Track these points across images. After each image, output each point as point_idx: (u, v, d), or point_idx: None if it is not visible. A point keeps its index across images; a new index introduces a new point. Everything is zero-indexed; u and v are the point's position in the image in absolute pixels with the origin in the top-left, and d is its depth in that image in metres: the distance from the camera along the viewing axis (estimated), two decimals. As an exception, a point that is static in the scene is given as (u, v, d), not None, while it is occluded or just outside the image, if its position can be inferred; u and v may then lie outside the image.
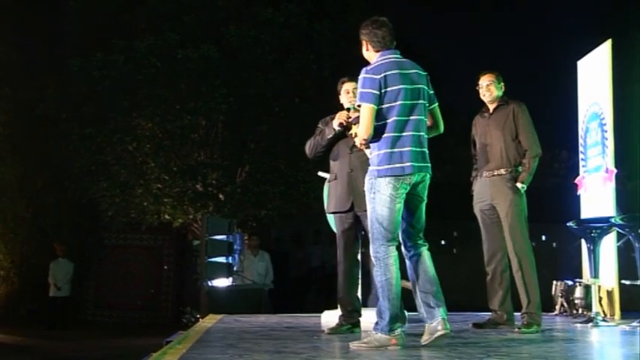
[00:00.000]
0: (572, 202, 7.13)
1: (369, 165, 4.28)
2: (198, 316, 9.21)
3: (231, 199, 12.39)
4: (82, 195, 13.25)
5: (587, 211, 6.82)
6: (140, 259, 15.40)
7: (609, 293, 6.43)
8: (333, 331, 5.12)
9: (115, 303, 15.07)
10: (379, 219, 4.14)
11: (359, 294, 5.42)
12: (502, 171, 5.41)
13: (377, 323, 4.14)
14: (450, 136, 4.59)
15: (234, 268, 9.85)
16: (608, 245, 6.30)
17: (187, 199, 12.25)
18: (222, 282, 9.10)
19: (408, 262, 4.25)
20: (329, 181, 5.39)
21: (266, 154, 12.49)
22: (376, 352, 4.02)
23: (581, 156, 7.09)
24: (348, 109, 5.09)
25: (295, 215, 13.08)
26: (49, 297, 13.75)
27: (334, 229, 5.46)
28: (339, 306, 5.35)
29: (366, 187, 4.22)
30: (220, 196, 12.44)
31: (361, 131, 4.17)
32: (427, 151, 4.23)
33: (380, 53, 4.27)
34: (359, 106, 4.21)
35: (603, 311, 6.26)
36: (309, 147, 5.38)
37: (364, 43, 4.34)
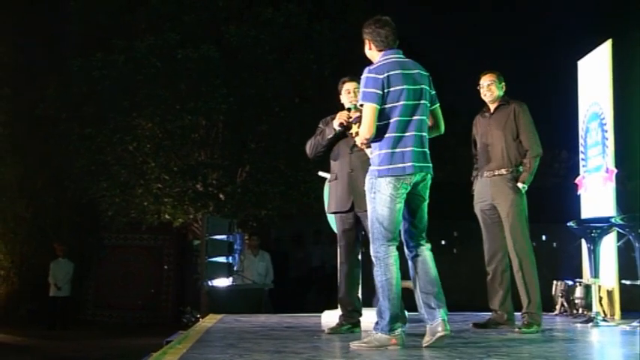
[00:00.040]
0: (573, 202, 7.13)
1: (369, 165, 4.27)
2: (198, 315, 9.22)
3: (232, 199, 12.39)
4: (82, 195, 13.26)
5: (587, 211, 6.82)
6: (140, 259, 15.41)
7: (609, 293, 6.43)
8: (334, 331, 5.12)
9: (115, 303, 15.08)
10: (379, 219, 4.14)
11: (359, 294, 5.41)
12: (503, 171, 5.41)
13: (377, 323, 4.14)
14: (450, 136, 4.59)
15: (235, 268, 9.84)
16: (609, 245, 6.29)
17: (187, 199, 12.25)
18: (222, 282, 9.10)
19: (410, 262, 4.25)
20: (329, 181, 5.38)
21: (266, 154, 12.49)
22: (376, 351, 4.02)
23: (581, 156, 7.09)
24: (349, 109, 5.08)
25: (295, 215, 13.08)
26: (50, 297, 13.75)
27: (334, 229, 5.46)
28: (339, 306, 5.35)
29: (367, 187, 4.21)
30: (220, 196, 12.45)
31: (363, 131, 4.16)
32: (428, 152, 4.23)
33: (383, 53, 4.27)
34: (361, 105, 4.20)
35: (603, 311, 6.26)
36: (309, 147, 5.38)
37: (367, 42, 4.33)
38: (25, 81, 14.21)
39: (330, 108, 5.46)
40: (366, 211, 4.35)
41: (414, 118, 4.17)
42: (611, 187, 6.38)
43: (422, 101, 4.21)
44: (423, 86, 4.22)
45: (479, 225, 5.63)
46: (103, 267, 15.40)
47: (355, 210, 5.14)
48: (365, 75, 4.19)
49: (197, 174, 12.27)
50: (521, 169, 5.39)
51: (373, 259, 4.19)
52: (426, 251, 4.23)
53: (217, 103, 11.89)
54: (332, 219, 5.50)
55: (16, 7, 14.29)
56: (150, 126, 12.22)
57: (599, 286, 6.12)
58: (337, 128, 5.16)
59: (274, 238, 14.97)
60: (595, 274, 5.88)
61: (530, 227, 5.40)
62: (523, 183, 5.34)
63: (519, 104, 5.50)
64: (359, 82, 4.94)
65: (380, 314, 4.13)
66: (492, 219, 5.50)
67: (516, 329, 5.20)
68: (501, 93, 5.57)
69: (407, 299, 4.40)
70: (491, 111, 5.58)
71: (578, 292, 6.57)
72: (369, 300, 5.28)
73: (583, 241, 6.29)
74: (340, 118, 5.11)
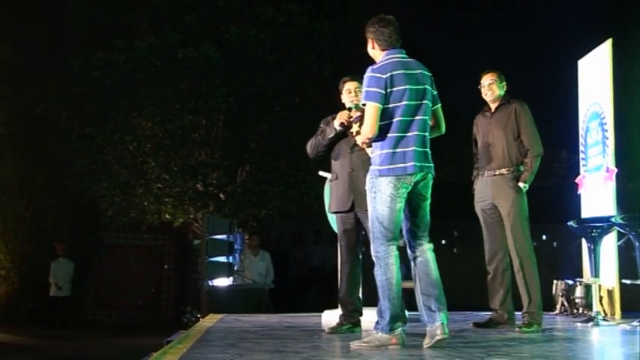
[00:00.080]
0: (573, 201, 7.13)
1: (370, 164, 4.27)
2: (198, 315, 9.22)
3: (232, 198, 12.39)
4: (82, 195, 13.25)
5: (587, 211, 6.82)
6: (140, 258, 15.41)
7: (610, 292, 6.42)
8: (334, 330, 5.12)
9: (116, 303, 15.08)
10: (379, 218, 4.14)
11: (360, 294, 5.41)
12: (504, 170, 5.41)
13: (377, 323, 4.15)
14: (452, 135, 4.59)
15: (235, 268, 9.84)
16: (609, 245, 6.29)
17: (188, 199, 12.25)
18: (222, 281, 9.11)
19: (411, 263, 4.24)
20: (330, 181, 5.38)
21: (266, 154, 12.49)
22: (377, 351, 4.02)
23: (581, 155, 7.08)
24: (350, 109, 5.09)
25: (295, 215, 13.08)
26: (50, 296, 13.74)
27: (335, 229, 5.46)
28: (339, 305, 5.35)
29: (367, 187, 4.21)
30: (221, 195, 12.45)
31: (366, 130, 4.16)
32: (430, 152, 4.23)
33: (386, 52, 4.26)
34: (364, 104, 4.19)
35: (604, 310, 6.26)
36: (310, 146, 5.38)
37: (370, 41, 4.32)
38: (25, 80, 14.20)
39: (331, 108, 5.46)
40: (366, 210, 4.35)
41: (417, 118, 4.17)
42: (611, 186, 6.38)
43: (424, 101, 4.20)
44: (425, 86, 4.22)
45: (479, 224, 5.63)
46: (104, 267, 15.40)
47: (356, 210, 5.14)
48: (368, 74, 4.18)
49: (197, 174, 12.27)
50: (522, 168, 5.39)
51: (373, 258, 4.19)
52: (428, 252, 4.22)
53: (217, 102, 11.89)
54: (332, 219, 5.50)
55: (16, 7, 14.28)
56: (150, 125, 12.22)
57: (600, 286, 6.12)
58: (338, 128, 5.15)
59: (274, 238, 14.98)
60: (595, 273, 5.88)
61: (530, 227, 5.41)
62: (524, 182, 5.34)
63: (520, 104, 5.50)
64: (360, 82, 4.94)
65: (380, 314, 4.13)
66: (493, 218, 5.50)
67: (517, 329, 5.20)
68: (502, 92, 5.57)
69: (407, 300, 4.40)
70: (492, 110, 5.58)
71: (579, 291, 6.56)
72: (370, 300, 5.28)
73: (583, 240, 6.29)
74: (341, 117, 5.11)
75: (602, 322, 5.73)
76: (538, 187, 5.64)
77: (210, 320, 6.41)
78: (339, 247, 5.38)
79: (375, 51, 4.32)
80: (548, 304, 6.60)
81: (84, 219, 14.56)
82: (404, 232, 4.26)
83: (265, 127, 12.41)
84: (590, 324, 5.72)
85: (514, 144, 5.43)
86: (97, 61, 11.98)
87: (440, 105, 4.37)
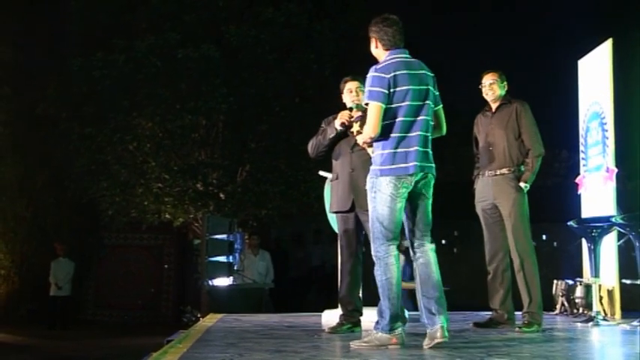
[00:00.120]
0: (573, 201, 7.13)
1: (370, 164, 4.27)
2: (198, 315, 9.22)
3: (232, 198, 12.39)
4: (82, 194, 13.25)
5: (587, 211, 6.82)
6: (141, 258, 15.41)
7: (610, 292, 6.42)
8: (334, 330, 5.12)
9: (116, 302, 15.08)
10: (379, 218, 4.14)
11: (360, 294, 5.41)
12: (505, 170, 5.41)
13: (377, 322, 4.15)
14: (452, 135, 4.59)
15: (235, 268, 9.85)
16: (609, 244, 6.29)
17: (188, 199, 12.25)
18: (222, 281, 9.11)
19: (414, 264, 4.24)
20: (331, 181, 5.38)
21: (266, 154, 12.49)
22: (377, 351, 4.02)
23: (581, 155, 7.09)
24: (351, 109, 5.09)
25: (296, 215, 13.08)
26: (50, 296, 13.74)
27: (335, 228, 5.46)
28: (339, 305, 5.35)
29: (368, 186, 4.21)
30: (221, 195, 12.45)
31: (368, 129, 4.15)
32: (431, 152, 4.23)
33: (389, 52, 4.25)
34: (366, 104, 4.19)
35: (604, 310, 6.26)
36: (311, 146, 5.38)
37: (373, 40, 4.31)
38: (25, 80, 14.19)
39: (331, 107, 5.46)
40: (366, 210, 4.35)
41: (419, 118, 4.16)
42: (611, 186, 6.38)
43: (427, 102, 4.20)
44: (428, 87, 4.22)
45: (479, 224, 5.63)
46: (104, 266, 15.40)
47: (356, 210, 5.14)
48: (371, 74, 4.17)
49: (197, 173, 12.27)
50: (523, 168, 5.39)
51: (374, 258, 4.19)
52: (429, 252, 4.21)
53: (217, 102, 11.89)
54: (332, 218, 5.50)
55: (16, 7, 14.27)
56: (150, 125, 12.22)
57: (600, 286, 6.12)
58: (339, 128, 5.15)
59: (274, 238, 14.98)
60: (595, 273, 5.88)
61: (530, 227, 5.40)
62: (525, 182, 5.34)
63: (521, 103, 5.50)
64: (361, 82, 4.95)
65: (380, 314, 4.14)
66: (494, 218, 5.50)
67: (517, 329, 5.20)
68: (503, 92, 5.57)
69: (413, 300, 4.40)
70: (493, 110, 5.58)
71: (579, 291, 6.56)
72: (370, 300, 5.29)
73: (583, 240, 6.29)
74: (342, 117, 5.11)
75: (602, 322, 5.73)
76: (538, 187, 5.64)
77: (210, 320, 6.41)
78: (339, 247, 5.38)
79: (378, 50, 4.31)
80: (548, 304, 6.60)
81: (84, 219, 14.56)
82: (406, 232, 4.25)
83: (265, 127, 12.41)
84: (590, 324, 5.72)
85: (515, 144, 5.42)
86: (97, 61, 11.98)
87: (442, 106, 4.36)
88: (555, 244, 12.66)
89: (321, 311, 6.25)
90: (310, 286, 14.06)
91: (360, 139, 4.35)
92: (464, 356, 3.84)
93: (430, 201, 4.25)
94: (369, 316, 4.86)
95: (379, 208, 4.13)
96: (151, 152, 12.27)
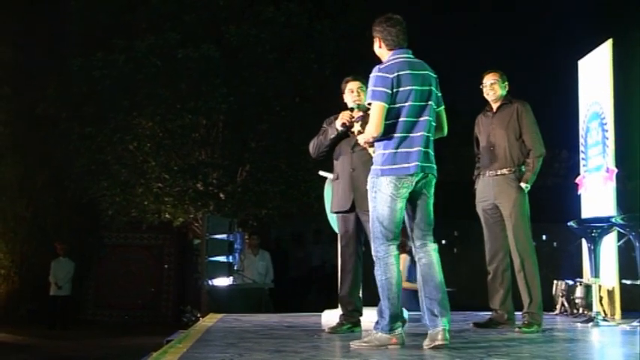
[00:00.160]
0: (573, 201, 7.13)
1: (371, 164, 4.26)
2: (198, 315, 9.21)
3: (232, 198, 12.39)
4: (82, 194, 13.25)
5: (587, 211, 6.82)
6: (141, 258, 15.41)
7: (610, 293, 6.43)
8: (334, 330, 5.12)
9: (116, 302, 15.09)
10: (380, 218, 4.13)
11: (360, 294, 5.41)
12: (505, 171, 5.41)
13: (377, 322, 4.15)
14: (453, 135, 4.59)
15: (235, 268, 9.85)
16: (609, 245, 6.30)
17: (188, 199, 12.25)
18: (222, 281, 9.11)
19: (417, 264, 4.23)
20: (333, 181, 5.38)
21: (267, 154, 12.49)
22: (377, 351, 4.02)
23: (581, 155, 7.09)
24: (352, 109, 5.08)
25: (296, 215, 13.08)
26: (50, 296, 13.74)
27: (335, 229, 5.46)
28: (339, 305, 5.35)
29: (369, 186, 4.21)
30: (221, 195, 12.45)
31: (371, 129, 4.14)
32: (432, 153, 4.22)
33: (393, 52, 4.25)
34: (369, 104, 4.18)
35: (604, 311, 6.26)
36: (312, 146, 5.38)
37: (377, 40, 4.31)
38: (25, 80, 14.19)
39: (331, 107, 5.46)
40: (367, 210, 4.35)
41: (421, 119, 4.16)
42: (611, 186, 6.39)
43: (429, 102, 4.20)
44: (430, 88, 4.21)
45: (479, 224, 5.63)
46: (104, 266, 15.40)
47: (356, 210, 5.14)
48: (374, 74, 4.17)
49: (197, 173, 12.27)
50: (523, 168, 5.39)
51: (374, 258, 4.19)
52: (432, 252, 4.20)
53: (218, 102, 11.88)
54: (332, 219, 5.50)
55: (16, 7, 14.27)
56: (150, 125, 12.21)
57: (600, 286, 6.12)
58: (339, 128, 5.15)
59: (274, 238, 14.97)
60: (595, 273, 5.88)
61: (531, 227, 5.40)
62: (526, 183, 5.34)
63: (522, 104, 5.50)
64: (362, 82, 4.95)
65: (380, 314, 4.13)
66: (494, 218, 5.50)
67: (517, 329, 5.20)
68: (504, 92, 5.58)
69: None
70: (494, 110, 5.58)
71: (579, 291, 6.57)
72: (370, 300, 5.29)
73: (583, 240, 6.29)
74: (343, 118, 5.11)
75: (602, 323, 5.73)
76: (538, 187, 5.64)
77: (210, 320, 6.41)
78: (339, 247, 5.38)
79: (381, 50, 4.31)
80: (548, 304, 6.60)
81: (84, 219, 14.56)
82: (408, 232, 4.25)
83: (265, 126, 12.41)
84: (590, 324, 5.72)
85: (516, 144, 5.42)
86: (97, 61, 11.97)
87: (443, 107, 4.36)
88: (555, 244, 12.65)
89: (321, 311, 6.25)
90: (310, 286, 14.05)
91: (361, 139, 4.34)
92: (464, 356, 3.84)
93: (432, 200, 4.25)
94: (369, 316, 4.86)
95: (379, 208, 4.13)
96: (151, 152, 12.26)
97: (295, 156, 11.63)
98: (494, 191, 5.44)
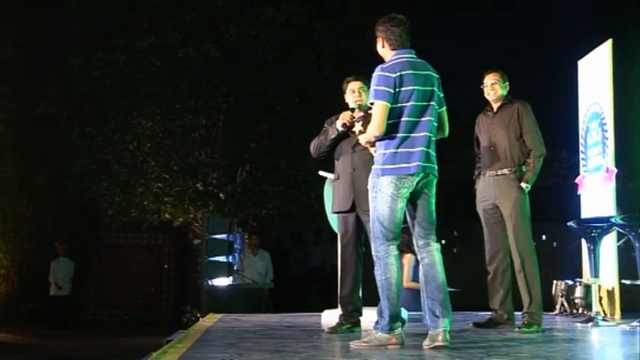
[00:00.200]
0: (573, 201, 7.13)
1: (372, 164, 4.26)
2: (198, 315, 9.21)
3: (232, 198, 12.40)
4: (82, 194, 13.26)
5: (587, 211, 6.82)
6: (140, 258, 15.41)
7: (609, 293, 6.43)
8: (334, 330, 5.12)
9: (116, 302, 15.09)
10: (380, 218, 4.13)
11: (360, 294, 5.41)
12: (506, 170, 5.41)
13: (377, 322, 4.15)
14: (453, 135, 4.59)
15: (235, 268, 9.84)
16: (609, 245, 6.30)
17: (188, 199, 12.25)
18: (222, 281, 9.11)
19: (420, 265, 4.23)
20: (333, 181, 5.38)
21: (266, 154, 12.49)
22: (376, 351, 4.02)
23: (581, 155, 7.09)
24: (353, 109, 5.08)
25: (296, 215, 13.09)
26: (50, 296, 13.74)
27: (335, 229, 5.46)
28: (339, 305, 5.35)
29: (369, 186, 4.21)
30: (221, 195, 12.45)
31: (373, 128, 4.14)
32: (434, 153, 4.22)
33: (395, 52, 4.25)
34: (372, 103, 4.18)
35: (603, 311, 6.27)
36: (313, 147, 5.38)
37: (380, 39, 4.31)
38: (25, 80, 14.20)
39: (331, 107, 5.46)
40: (367, 210, 4.35)
41: (423, 119, 4.16)
42: (611, 186, 6.39)
43: (431, 103, 4.20)
44: (433, 88, 4.21)
45: (479, 224, 5.63)
46: (104, 266, 15.40)
47: (357, 210, 5.14)
48: (377, 73, 4.17)
49: (197, 173, 12.27)
50: (524, 168, 5.39)
51: (374, 258, 4.19)
52: (435, 252, 4.19)
53: (218, 102, 11.89)
54: (332, 219, 5.50)
55: (16, 7, 14.27)
56: (150, 125, 12.22)
57: (599, 286, 6.12)
58: (340, 128, 5.15)
59: (274, 238, 14.98)
60: (595, 273, 5.88)
61: (531, 227, 5.40)
62: (527, 183, 5.34)
63: (523, 104, 5.50)
64: (364, 82, 4.95)
65: (380, 313, 4.13)
66: (494, 218, 5.50)
67: (516, 329, 5.20)
68: (505, 92, 5.58)
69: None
70: (495, 110, 5.58)
71: (578, 291, 6.57)
72: (370, 300, 5.29)
73: (583, 240, 6.29)
74: (343, 118, 5.11)
75: (601, 323, 5.73)
76: (538, 187, 5.64)
77: (209, 320, 6.41)
78: (339, 247, 5.38)
79: (384, 50, 4.30)
80: (548, 304, 6.60)
81: (84, 219, 14.56)
82: (411, 232, 4.25)
83: (265, 126, 12.41)
84: (590, 324, 5.72)
85: (516, 144, 5.42)
86: (97, 60, 11.98)
87: (445, 108, 4.35)
88: (555, 244, 12.64)
89: (321, 311, 6.25)
90: (310, 286, 14.05)
91: (362, 139, 4.34)
92: (464, 356, 3.84)
93: (433, 200, 4.24)
94: (368, 316, 4.86)
95: (380, 207, 4.13)
96: (151, 152, 12.27)
97: (295, 156, 11.63)
98: (494, 191, 5.44)
